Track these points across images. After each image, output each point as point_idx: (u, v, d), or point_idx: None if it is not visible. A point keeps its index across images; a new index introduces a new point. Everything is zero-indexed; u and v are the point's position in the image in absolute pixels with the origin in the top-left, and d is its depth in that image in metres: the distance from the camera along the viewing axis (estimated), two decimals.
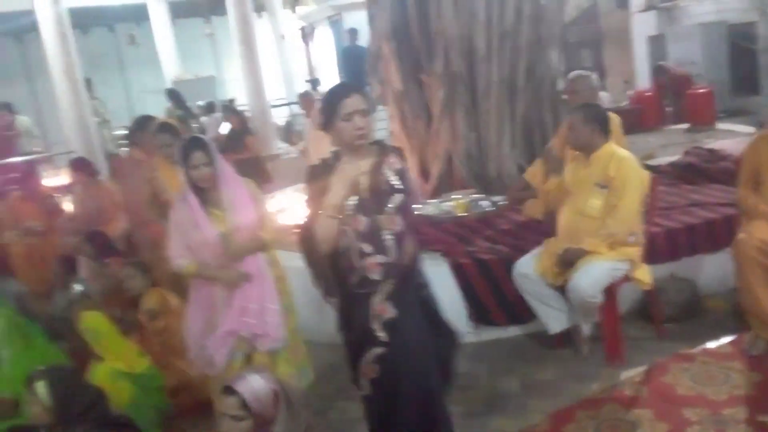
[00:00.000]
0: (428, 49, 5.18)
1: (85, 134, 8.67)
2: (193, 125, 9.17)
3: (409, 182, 2.59)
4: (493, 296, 4.00)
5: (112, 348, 3.41)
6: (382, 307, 2.50)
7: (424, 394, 2.55)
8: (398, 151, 2.69)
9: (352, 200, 2.49)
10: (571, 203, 3.66)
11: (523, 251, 3.91)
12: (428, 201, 5.04)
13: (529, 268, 3.72)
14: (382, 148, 2.60)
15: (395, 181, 2.53)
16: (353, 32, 10.23)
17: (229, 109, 9.06)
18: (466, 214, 4.80)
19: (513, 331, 4.05)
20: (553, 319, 3.71)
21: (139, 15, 12.78)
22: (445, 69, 5.11)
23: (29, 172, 7.18)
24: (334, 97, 2.50)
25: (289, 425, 2.25)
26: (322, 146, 8.31)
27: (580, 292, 3.43)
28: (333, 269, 2.55)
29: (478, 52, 5.05)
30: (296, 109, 10.35)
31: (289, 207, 5.74)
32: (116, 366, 3.35)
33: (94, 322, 3.45)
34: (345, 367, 3.52)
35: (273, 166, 8.53)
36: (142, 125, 5.03)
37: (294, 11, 13.61)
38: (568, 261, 3.52)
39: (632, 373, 3.41)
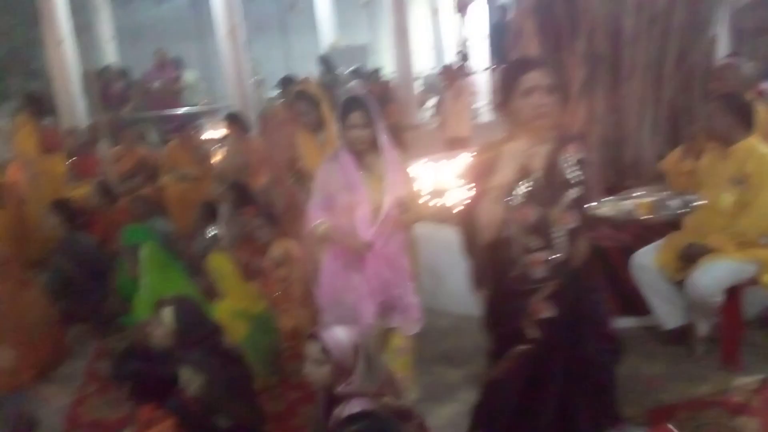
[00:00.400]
0: (572, 27, 5.02)
1: (243, 92, 9.25)
2: (341, 90, 9.48)
3: (589, 174, 2.31)
4: (610, 285, 3.88)
5: (233, 288, 3.70)
6: (540, 306, 2.32)
7: (548, 394, 2.42)
8: (581, 138, 2.42)
9: (523, 187, 2.27)
10: (701, 196, 3.48)
11: (646, 242, 3.77)
12: (603, 199, 4.35)
13: (649, 260, 3.60)
14: (562, 134, 2.34)
15: (575, 172, 2.28)
16: (503, 8, 10.09)
17: (369, 77, 9.25)
18: (651, 216, 4.01)
19: (626, 323, 3.92)
20: (669, 314, 3.58)
21: None
22: (588, 49, 4.94)
23: (188, 123, 7.79)
24: (513, 72, 2.28)
25: (366, 378, 2.37)
26: (460, 120, 8.36)
27: (699, 290, 3.28)
28: (491, 260, 2.35)
29: (625, 33, 4.83)
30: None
31: (421, 178, 5.84)
32: (235, 305, 3.64)
33: (219, 264, 3.75)
34: (452, 336, 3.55)
35: (412, 136, 8.67)
36: (285, 85, 5.30)
37: None
38: (691, 256, 3.37)
39: (746, 381, 3.24)
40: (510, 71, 2.33)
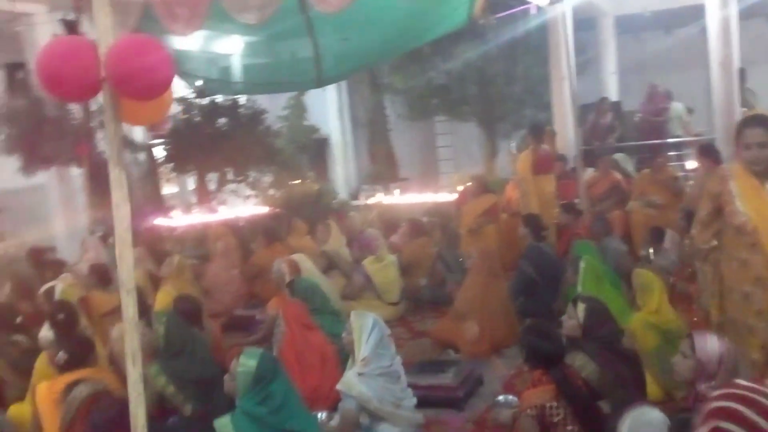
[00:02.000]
0: None
1: (729, 123, 9.01)
2: None
3: None
4: None
5: (650, 302, 4.06)
6: None
7: None
8: None
9: None
10: None
11: None
12: None
13: None
14: None
15: None
16: None
17: None
18: None
19: None
20: None
21: None
22: None
23: (665, 153, 8.10)
24: None
25: None
26: None
27: None
28: None
29: None
30: None
31: None
32: (649, 318, 4.00)
33: (643, 278, 4.16)
34: None
35: None
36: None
37: None
38: None
39: None
40: None
